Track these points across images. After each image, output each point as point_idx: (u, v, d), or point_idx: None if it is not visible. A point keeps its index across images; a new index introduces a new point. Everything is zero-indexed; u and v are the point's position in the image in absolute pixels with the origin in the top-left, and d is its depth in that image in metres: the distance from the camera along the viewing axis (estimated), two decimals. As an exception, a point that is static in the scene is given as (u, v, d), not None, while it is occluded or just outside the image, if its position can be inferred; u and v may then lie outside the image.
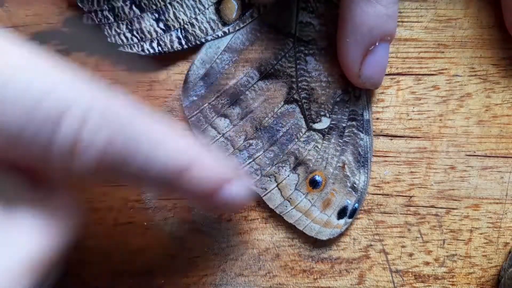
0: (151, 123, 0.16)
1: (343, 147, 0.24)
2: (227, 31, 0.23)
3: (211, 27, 0.23)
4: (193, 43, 0.23)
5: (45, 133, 0.14)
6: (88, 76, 0.16)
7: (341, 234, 0.24)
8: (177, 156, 0.17)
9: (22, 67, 0.14)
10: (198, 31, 0.23)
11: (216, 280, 0.24)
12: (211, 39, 0.23)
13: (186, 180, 0.17)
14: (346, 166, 0.24)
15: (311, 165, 0.24)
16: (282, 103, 0.24)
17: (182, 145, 0.17)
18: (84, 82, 0.15)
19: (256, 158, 0.24)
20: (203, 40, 0.23)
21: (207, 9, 0.23)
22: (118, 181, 0.20)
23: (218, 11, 0.23)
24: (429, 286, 0.24)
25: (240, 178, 0.19)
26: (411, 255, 0.24)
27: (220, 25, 0.23)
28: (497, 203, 0.24)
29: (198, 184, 0.18)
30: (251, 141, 0.24)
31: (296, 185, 0.24)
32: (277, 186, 0.24)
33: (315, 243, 0.25)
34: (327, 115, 0.24)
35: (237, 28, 0.23)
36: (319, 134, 0.24)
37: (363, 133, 0.24)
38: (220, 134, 0.24)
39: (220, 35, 0.23)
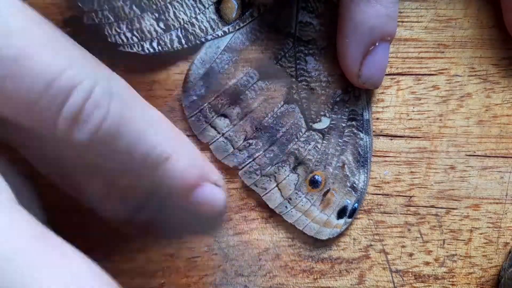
0: (144, 108, 0.18)
1: (343, 147, 0.24)
2: (227, 31, 0.23)
3: (211, 27, 0.23)
4: (193, 43, 0.23)
5: (56, 103, 0.16)
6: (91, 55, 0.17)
7: (341, 234, 0.24)
8: (161, 143, 0.18)
9: (41, 48, 0.16)
10: (198, 31, 0.23)
11: (216, 280, 0.24)
12: (211, 39, 0.23)
13: (164, 170, 0.18)
14: (345, 166, 0.24)
15: (311, 165, 0.24)
16: (282, 103, 0.24)
17: (168, 134, 0.18)
18: (90, 60, 0.17)
19: (256, 158, 0.24)
20: (203, 39, 0.23)
21: (207, 8, 0.23)
22: (106, 164, 0.20)
23: (218, 11, 0.23)
24: (429, 286, 0.24)
25: (217, 180, 0.19)
26: (411, 255, 0.24)
27: (220, 24, 0.23)
28: (497, 203, 0.24)
29: (175, 177, 0.18)
30: (251, 141, 0.24)
31: (296, 185, 0.24)
32: (277, 186, 0.24)
33: (315, 243, 0.25)
34: (327, 115, 0.24)
35: (237, 27, 0.23)
36: (319, 134, 0.24)
37: (362, 133, 0.24)
38: (220, 134, 0.24)
39: (220, 35, 0.23)
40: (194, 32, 0.23)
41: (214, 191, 0.20)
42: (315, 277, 0.24)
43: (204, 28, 0.23)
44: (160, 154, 0.18)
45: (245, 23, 0.23)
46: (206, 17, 0.23)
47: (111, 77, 0.17)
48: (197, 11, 0.23)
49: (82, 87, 0.16)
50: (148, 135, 0.17)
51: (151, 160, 0.18)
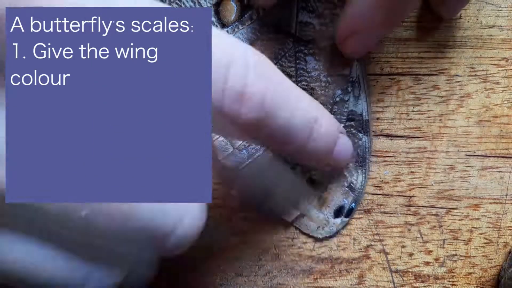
0: (292, 84, 0.18)
1: None
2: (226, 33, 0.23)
3: None
4: None
5: (218, 84, 0.16)
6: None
7: (341, 234, 0.24)
8: (311, 110, 0.18)
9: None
10: None
11: (216, 280, 0.24)
12: None
13: (313, 136, 0.19)
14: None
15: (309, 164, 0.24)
16: None
17: (311, 100, 0.19)
18: (235, 40, 0.17)
19: (256, 158, 0.24)
20: None
21: None
22: (262, 141, 0.21)
23: (217, 13, 0.23)
24: (429, 286, 0.24)
25: (342, 130, 0.20)
26: (411, 255, 0.24)
27: (219, 26, 0.23)
28: (497, 203, 0.24)
29: (321, 140, 0.19)
30: None
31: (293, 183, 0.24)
32: None
33: (315, 243, 0.25)
34: None
35: (236, 30, 0.23)
36: None
37: (362, 133, 0.24)
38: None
39: None
40: None
41: (345, 141, 0.21)
42: (315, 277, 0.24)
43: None
44: (311, 118, 0.18)
45: (244, 25, 0.23)
46: None
47: (257, 55, 0.17)
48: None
49: (237, 64, 0.16)
50: (299, 102, 0.18)
51: (307, 125, 0.18)
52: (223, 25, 0.23)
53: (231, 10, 0.23)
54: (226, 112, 0.16)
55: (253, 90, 0.16)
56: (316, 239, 0.24)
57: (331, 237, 0.24)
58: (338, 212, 0.24)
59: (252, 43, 0.23)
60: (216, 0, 0.23)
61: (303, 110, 0.18)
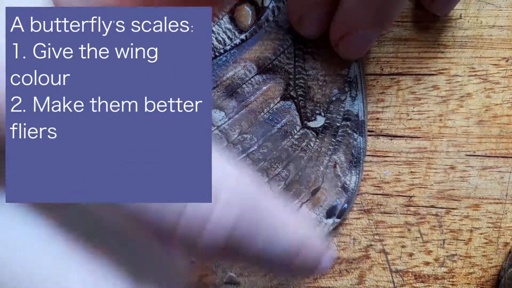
0: (274, 203, 0.16)
1: (336, 146, 0.24)
2: (244, 38, 0.23)
3: (228, 37, 0.23)
4: (213, 56, 0.23)
5: (173, 211, 0.14)
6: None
7: (341, 234, 0.24)
8: (295, 238, 0.16)
9: None
10: (216, 43, 0.23)
11: (216, 280, 0.24)
12: (230, 49, 0.23)
13: (296, 262, 0.17)
14: (337, 165, 0.24)
15: (302, 162, 0.24)
16: (279, 99, 0.24)
17: (298, 227, 0.17)
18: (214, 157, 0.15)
19: (250, 153, 0.24)
20: (222, 50, 0.23)
21: (221, 19, 0.23)
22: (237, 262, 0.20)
23: (232, 20, 0.23)
24: (429, 286, 0.24)
25: (330, 250, 0.19)
26: (411, 255, 0.24)
27: (236, 33, 0.23)
28: (497, 203, 0.24)
29: (304, 264, 0.17)
30: (245, 136, 0.24)
31: (286, 181, 0.24)
32: (268, 181, 0.24)
33: (315, 243, 0.25)
34: (322, 113, 0.24)
35: (254, 34, 0.23)
36: (313, 133, 0.24)
37: (357, 133, 0.24)
38: (214, 126, 0.24)
39: (238, 43, 0.23)
40: (212, 45, 0.23)
41: (328, 264, 0.19)
42: (315, 277, 0.24)
43: (221, 39, 0.23)
44: (293, 251, 0.16)
45: (261, 28, 0.23)
46: (222, 27, 0.23)
47: (237, 171, 0.15)
48: (212, 23, 0.23)
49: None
50: (281, 231, 0.16)
51: (283, 257, 0.16)
52: (241, 31, 0.23)
53: (246, 15, 0.23)
54: (181, 238, 0.14)
55: (218, 219, 0.14)
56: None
57: (334, 238, 0.24)
58: (330, 213, 0.24)
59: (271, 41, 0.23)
60: (230, 7, 0.23)
61: (286, 241, 0.16)
